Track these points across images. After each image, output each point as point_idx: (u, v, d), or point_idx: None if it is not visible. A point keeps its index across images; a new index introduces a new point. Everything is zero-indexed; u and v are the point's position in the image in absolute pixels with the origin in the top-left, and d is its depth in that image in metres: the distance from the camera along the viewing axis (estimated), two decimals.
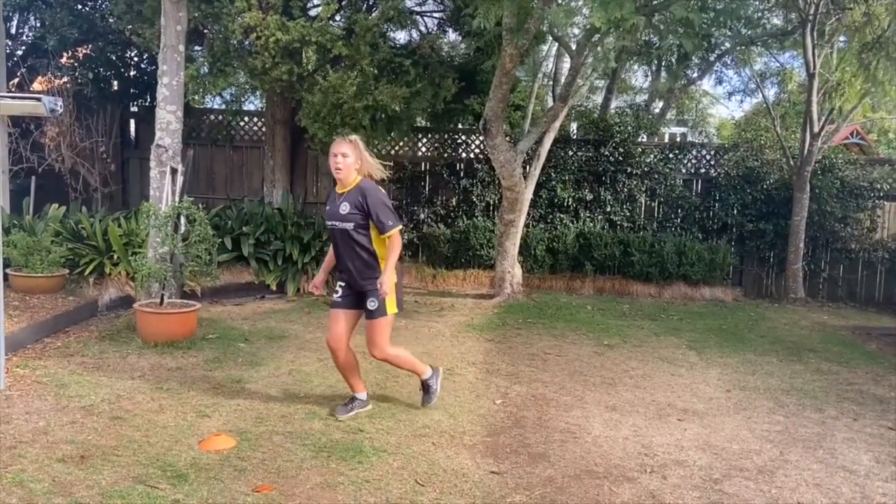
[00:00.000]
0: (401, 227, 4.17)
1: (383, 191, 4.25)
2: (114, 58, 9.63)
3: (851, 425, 4.61)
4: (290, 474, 3.39)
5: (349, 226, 4.09)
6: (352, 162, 4.12)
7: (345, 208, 4.10)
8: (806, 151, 9.82)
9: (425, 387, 4.51)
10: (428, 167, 10.75)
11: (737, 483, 3.60)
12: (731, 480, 3.63)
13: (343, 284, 4.26)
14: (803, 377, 5.79)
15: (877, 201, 10.27)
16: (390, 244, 4.11)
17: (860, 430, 4.51)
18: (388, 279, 4.05)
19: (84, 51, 9.54)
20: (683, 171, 10.69)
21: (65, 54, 9.46)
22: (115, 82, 10.09)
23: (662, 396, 5.05)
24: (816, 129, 9.74)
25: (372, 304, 4.13)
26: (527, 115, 10.00)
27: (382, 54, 7.79)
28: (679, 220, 10.54)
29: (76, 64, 9.45)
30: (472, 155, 10.71)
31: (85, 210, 8.21)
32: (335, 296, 4.29)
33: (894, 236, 10.41)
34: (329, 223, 4.21)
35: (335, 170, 4.14)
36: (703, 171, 10.76)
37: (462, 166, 10.59)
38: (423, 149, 10.91)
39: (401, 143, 10.76)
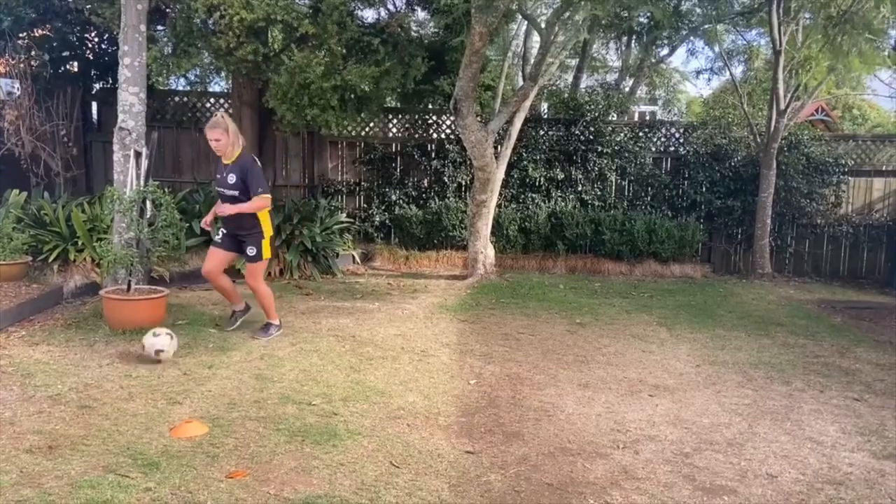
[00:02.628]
0: (268, 195, 5.28)
1: (259, 165, 5.39)
2: (73, 38, 9.36)
3: (818, 397, 4.71)
4: (264, 459, 3.36)
5: (235, 192, 5.20)
6: (225, 143, 5.19)
7: (231, 178, 5.20)
8: (772, 128, 9.95)
9: (266, 326, 5.60)
10: (399, 148, 10.68)
11: (707, 456, 3.66)
12: (702, 454, 3.69)
13: (224, 231, 5.44)
14: (771, 351, 5.90)
15: (841, 177, 10.46)
16: (255, 199, 5.18)
17: (826, 402, 4.61)
18: (231, 209, 5.15)
19: (41, 31, 9.24)
20: (653, 149, 10.77)
21: (21, 35, 9.16)
22: (75, 63, 9.80)
23: (634, 373, 5.11)
24: (783, 106, 9.86)
25: (251, 251, 5.37)
26: (497, 94, 9.96)
27: (350, 33, 7.67)
28: (649, 198, 10.63)
29: (33, 45, 9.16)
30: (443, 135, 10.66)
31: (47, 195, 8.01)
32: (216, 237, 5.53)
33: (858, 211, 10.62)
34: (219, 189, 5.34)
35: (215, 150, 5.26)
36: (672, 149, 10.86)
37: (433, 147, 10.54)
38: (394, 129, 10.82)
39: (371, 124, 10.66)
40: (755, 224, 10.22)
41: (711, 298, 8.29)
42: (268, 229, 5.44)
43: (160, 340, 4.76)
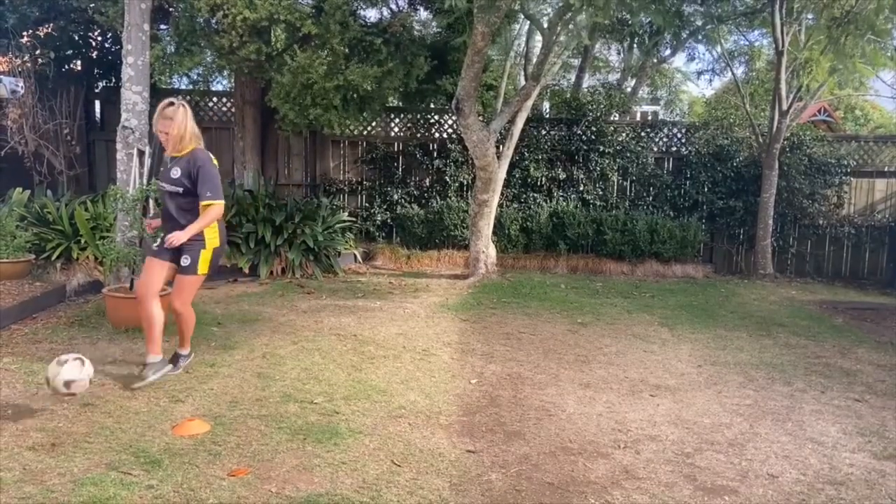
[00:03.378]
0: (221, 202, 4.26)
1: (215, 163, 4.36)
2: (76, 37, 9.38)
3: (819, 398, 4.71)
4: (266, 458, 3.37)
5: (178, 190, 4.25)
6: (175, 133, 4.23)
7: (175, 173, 4.25)
8: (775, 129, 9.94)
9: (175, 357, 4.53)
10: (401, 147, 10.69)
11: (708, 456, 3.66)
12: (703, 454, 3.69)
13: (164, 237, 4.34)
14: (772, 351, 5.90)
15: (843, 177, 10.45)
16: (204, 212, 4.21)
17: (828, 403, 4.61)
18: (182, 235, 4.15)
19: (45, 30, 9.26)
20: (655, 149, 10.77)
21: (25, 34, 9.18)
22: (79, 62, 9.83)
23: (635, 373, 5.11)
24: (785, 107, 9.86)
25: (185, 261, 4.28)
26: (499, 94, 9.97)
27: (353, 33, 7.68)
28: (651, 198, 10.63)
29: (37, 44, 9.18)
30: (445, 135, 10.67)
31: (50, 194, 8.04)
32: (154, 245, 4.45)
33: (860, 212, 10.62)
34: (160, 184, 4.40)
35: (164, 143, 4.33)
36: (674, 149, 10.85)
37: (435, 146, 10.55)
38: (396, 129, 10.83)
39: (373, 124, 10.67)
40: (757, 224, 10.21)
41: (713, 299, 8.29)
42: (212, 238, 4.33)
43: (68, 370, 3.59)
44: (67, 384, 3.60)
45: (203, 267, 4.33)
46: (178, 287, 4.35)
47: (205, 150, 4.37)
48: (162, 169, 4.41)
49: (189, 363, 4.60)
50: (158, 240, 4.41)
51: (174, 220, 4.28)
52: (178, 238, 4.14)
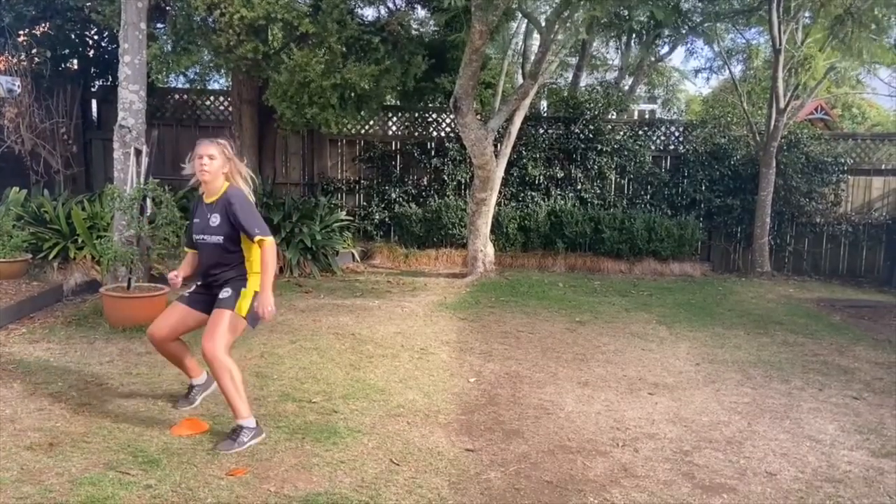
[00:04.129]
0: (271, 237, 3.67)
1: (252, 199, 3.82)
2: (73, 36, 9.36)
3: (817, 395, 4.72)
4: (265, 457, 3.37)
5: (220, 239, 3.68)
6: (219, 165, 3.73)
7: (214, 220, 3.69)
8: (772, 127, 9.95)
9: (236, 431, 3.51)
10: (399, 146, 10.69)
11: (706, 454, 3.67)
12: (701, 452, 3.70)
13: (200, 284, 3.86)
14: (770, 349, 5.91)
15: (841, 175, 10.46)
16: (262, 256, 3.64)
17: (825, 401, 4.62)
18: (266, 298, 3.58)
19: (42, 29, 9.24)
20: (653, 147, 10.77)
21: (21, 32, 9.16)
22: (75, 61, 9.81)
23: (634, 371, 5.12)
24: (782, 105, 9.87)
25: (224, 293, 3.65)
26: (497, 92, 9.96)
27: (350, 31, 7.67)
28: (648, 196, 10.63)
29: (34, 42, 9.16)
30: (442, 134, 10.66)
31: (47, 193, 8.02)
32: (185, 292, 3.92)
33: (858, 210, 10.63)
34: (198, 237, 3.76)
35: (200, 171, 3.72)
36: (671, 147, 10.86)
37: (433, 145, 10.55)
38: (394, 128, 10.83)
39: (371, 123, 10.66)
40: (754, 223, 10.22)
41: (711, 297, 8.30)
42: (254, 283, 3.67)
43: None
44: None
45: (242, 307, 3.61)
46: (211, 325, 3.57)
47: (239, 189, 3.78)
48: (196, 220, 3.79)
49: (257, 440, 3.53)
50: (193, 286, 3.91)
51: (220, 266, 3.73)
52: (265, 304, 3.57)
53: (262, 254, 3.64)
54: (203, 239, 3.74)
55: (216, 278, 3.73)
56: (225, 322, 3.56)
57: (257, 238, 3.60)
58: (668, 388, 4.76)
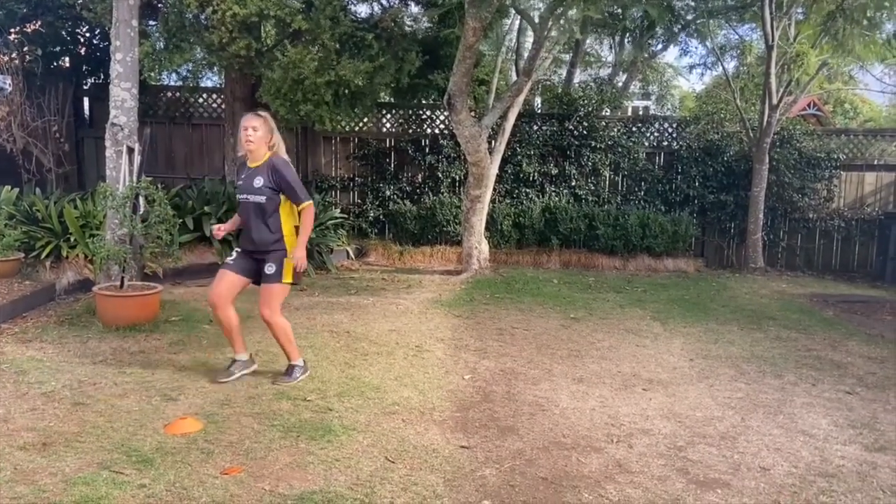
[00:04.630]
0: (311, 202, 4.35)
1: (293, 167, 4.42)
2: (64, 33, 9.32)
3: (810, 390, 4.74)
4: (259, 455, 3.36)
5: (261, 199, 4.26)
6: (262, 136, 4.28)
7: (258, 182, 4.27)
8: (765, 123, 9.98)
9: (289, 369, 4.50)
10: (393, 143, 10.67)
11: (700, 449, 3.68)
12: (695, 447, 3.71)
13: (239, 250, 4.46)
14: (763, 345, 5.93)
15: (833, 171, 10.50)
16: (304, 218, 4.31)
17: (818, 395, 4.64)
18: (301, 253, 4.28)
19: (33, 26, 9.20)
20: (646, 144, 10.78)
21: (12, 30, 9.11)
22: (67, 59, 9.77)
23: (628, 367, 5.13)
24: (775, 101, 9.89)
25: (269, 269, 4.31)
26: (491, 89, 9.96)
27: (343, 28, 7.66)
28: (642, 192, 10.65)
29: (25, 40, 9.11)
30: (437, 131, 10.65)
31: (39, 192, 7.98)
32: (228, 258, 4.51)
33: (850, 205, 10.67)
34: (241, 196, 4.35)
35: (246, 142, 4.28)
36: (665, 144, 10.87)
37: (427, 142, 10.54)
38: (388, 125, 10.81)
39: (365, 120, 10.64)
40: (748, 218, 10.26)
41: (704, 293, 8.32)
42: (293, 245, 4.35)
43: None
44: None
45: (287, 275, 4.31)
46: (265, 297, 4.33)
47: (279, 155, 4.36)
48: (241, 182, 4.38)
49: (305, 375, 4.49)
50: (234, 253, 4.47)
51: (259, 226, 4.30)
52: (300, 258, 4.28)
53: (304, 217, 4.31)
54: (246, 199, 4.33)
55: (259, 248, 4.33)
56: (276, 293, 4.34)
57: (303, 205, 4.29)
58: (663, 383, 4.77)
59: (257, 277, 4.40)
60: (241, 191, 4.35)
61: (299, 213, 4.34)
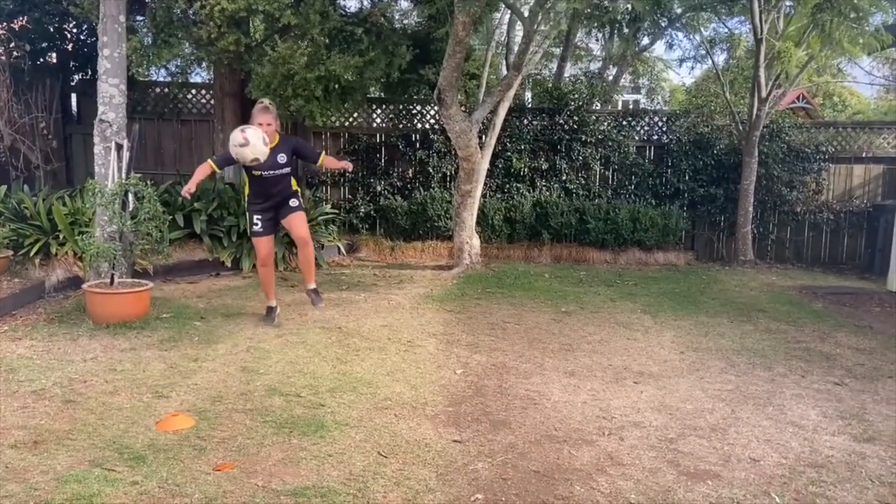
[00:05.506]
0: (323, 152, 5.74)
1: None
2: (51, 29, 9.24)
3: (800, 382, 4.78)
4: (252, 451, 3.36)
5: (287, 170, 5.48)
6: (274, 126, 5.41)
7: (282, 158, 5.43)
8: (754, 116, 10.02)
9: (315, 291, 5.87)
10: (383, 138, 10.65)
11: (691, 441, 3.70)
12: (686, 439, 3.73)
13: (259, 217, 5.53)
14: (753, 337, 5.97)
15: (822, 164, 10.57)
16: (328, 162, 5.74)
17: (808, 387, 4.68)
18: (337, 162, 5.94)
19: (20, 22, 9.11)
20: (637, 138, 10.81)
21: None
22: (54, 55, 9.69)
23: (619, 360, 5.15)
24: (764, 94, 9.93)
25: (294, 202, 5.59)
26: (481, 84, 9.94)
27: (333, 23, 7.62)
28: (633, 186, 10.68)
29: (12, 36, 9.03)
30: (427, 126, 10.64)
31: (27, 189, 7.92)
32: (255, 227, 5.55)
33: (839, 198, 10.74)
34: (267, 172, 5.38)
35: (265, 130, 5.25)
36: (655, 137, 10.90)
37: (418, 137, 10.53)
38: (378, 120, 10.79)
39: (355, 115, 10.62)
40: (738, 212, 10.31)
41: (695, 286, 8.36)
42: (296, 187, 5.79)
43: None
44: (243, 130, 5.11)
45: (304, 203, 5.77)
46: (299, 221, 5.56)
47: (284, 134, 5.63)
48: (261, 164, 5.27)
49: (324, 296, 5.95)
50: (257, 221, 5.52)
51: (282, 191, 5.53)
52: (339, 163, 5.94)
53: (328, 162, 5.75)
54: (272, 174, 5.41)
55: (277, 197, 5.55)
56: (305, 217, 5.70)
57: (321, 159, 5.69)
58: (653, 376, 4.80)
59: (278, 217, 5.60)
60: (265, 168, 5.33)
61: (321, 165, 5.72)
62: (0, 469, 3.07)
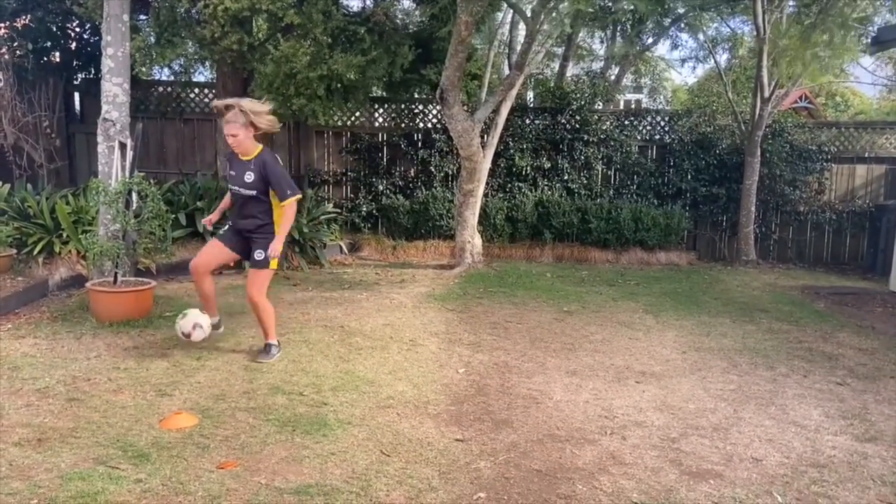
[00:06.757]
0: (299, 195, 4.61)
1: (281, 162, 4.72)
2: (55, 28, 9.26)
3: (802, 382, 4.78)
4: (255, 450, 3.37)
5: (252, 192, 4.56)
6: (242, 136, 4.51)
7: (249, 177, 4.55)
8: (757, 116, 10.01)
9: (267, 347, 4.83)
10: (385, 138, 10.66)
11: (693, 441, 3.71)
12: (688, 439, 3.74)
13: (231, 226, 4.80)
14: (755, 337, 5.97)
15: (824, 164, 10.55)
16: (286, 212, 4.57)
17: (810, 387, 4.68)
18: (278, 245, 4.54)
19: (23, 21, 9.13)
20: (639, 137, 10.80)
21: (2, 25, 9.04)
22: (58, 54, 9.70)
23: (621, 360, 5.16)
24: (767, 94, 9.92)
25: (258, 256, 4.61)
26: (483, 83, 9.95)
27: (335, 22, 7.63)
28: (635, 186, 10.67)
29: (15, 35, 9.04)
30: (429, 125, 10.64)
31: (30, 187, 7.94)
32: (221, 231, 4.87)
33: (841, 198, 10.73)
34: (233, 188, 4.64)
35: (233, 147, 4.59)
36: (657, 137, 10.89)
37: (420, 137, 10.53)
38: (381, 119, 10.79)
39: (357, 114, 10.62)
40: (740, 211, 10.30)
41: (697, 285, 8.36)
42: (282, 241, 4.65)
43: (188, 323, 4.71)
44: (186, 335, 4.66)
45: (274, 261, 4.60)
46: (253, 279, 4.67)
47: (269, 151, 4.71)
48: (232, 173, 4.65)
49: (279, 353, 4.84)
50: (227, 225, 4.85)
51: (247, 222, 4.67)
52: (276, 249, 4.52)
53: (286, 211, 4.57)
54: (238, 191, 4.61)
55: (248, 229, 4.66)
56: (264, 277, 4.67)
57: (287, 201, 4.52)
58: (656, 376, 4.80)
59: (244, 255, 4.77)
60: (233, 182, 4.62)
61: (282, 206, 4.58)
62: (4, 467, 3.08)
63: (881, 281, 9.04)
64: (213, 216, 4.92)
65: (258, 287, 4.65)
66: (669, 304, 7.23)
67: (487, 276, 8.43)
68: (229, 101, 4.52)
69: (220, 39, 7.25)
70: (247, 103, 4.50)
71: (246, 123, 4.48)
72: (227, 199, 4.91)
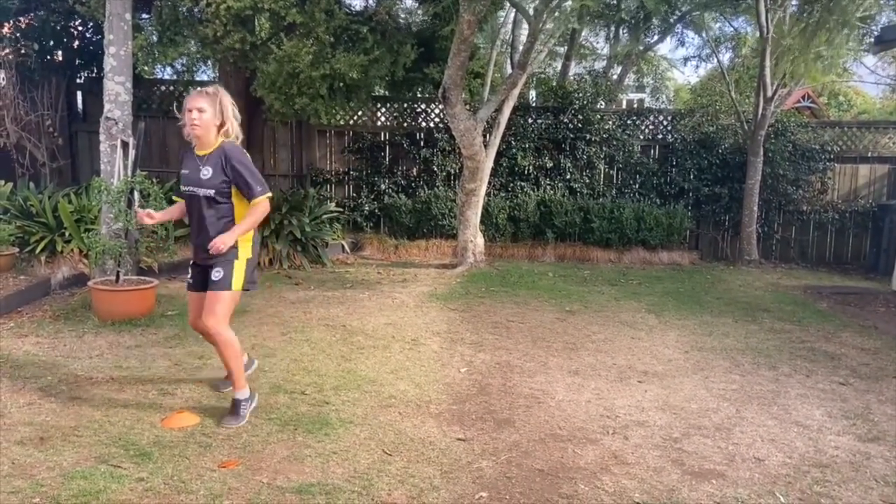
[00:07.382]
0: (270, 194, 3.75)
1: (248, 154, 3.79)
2: (57, 27, 9.26)
3: (804, 382, 4.77)
4: (257, 449, 3.37)
5: (210, 192, 3.63)
6: (210, 118, 3.61)
7: (206, 172, 3.63)
8: (759, 115, 9.99)
9: (234, 406, 3.71)
10: (388, 137, 10.66)
11: (695, 441, 3.70)
12: (690, 438, 3.73)
13: (192, 264, 3.91)
14: (758, 336, 5.96)
15: (827, 163, 10.53)
16: (253, 210, 3.68)
17: (812, 387, 4.67)
18: (228, 238, 3.59)
19: (26, 21, 9.14)
20: (641, 137, 10.79)
21: (5, 24, 9.06)
22: (60, 53, 9.71)
23: (623, 360, 5.15)
24: (769, 94, 9.90)
25: (216, 275, 3.66)
26: (486, 82, 9.94)
27: (338, 21, 7.63)
28: (637, 185, 10.66)
29: (18, 34, 9.06)
30: (432, 124, 10.64)
31: (33, 186, 7.95)
32: (188, 278, 3.95)
33: (844, 197, 10.71)
34: (187, 189, 3.70)
35: (191, 126, 3.62)
36: (660, 136, 10.88)
37: (422, 136, 10.53)
38: (383, 118, 10.79)
39: (360, 113, 10.62)
40: (742, 211, 10.28)
41: (699, 285, 8.35)
42: (246, 250, 3.76)
43: None
44: None
45: (238, 282, 3.68)
46: (209, 303, 3.65)
47: (234, 143, 3.72)
48: (185, 171, 3.73)
49: (254, 405, 3.81)
50: (190, 270, 3.94)
51: (209, 224, 3.68)
52: (223, 241, 3.56)
53: (253, 210, 3.68)
54: (192, 191, 3.69)
55: (202, 235, 3.70)
56: (223, 300, 3.66)
57: (257, 199, 3.66)
58: (658, 375, 4.80)
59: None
60: (186, 182, 3.70)
61: (252, 205, 3.68)
62: (6, 465, 3.08)
63: (884, 281, 9.02)
64: (158, 215, 4.00)
65: (216, 314, 3.62)
66: (672, 303, 7.22)
67: (489, 275, 8.42)
68: (211, 88, 3.70)
69: (222, 38, 7.25)
70: (229, 102, 3.70)
71: (217, 113, 3.63)
72: (176, 207, 4.07)
